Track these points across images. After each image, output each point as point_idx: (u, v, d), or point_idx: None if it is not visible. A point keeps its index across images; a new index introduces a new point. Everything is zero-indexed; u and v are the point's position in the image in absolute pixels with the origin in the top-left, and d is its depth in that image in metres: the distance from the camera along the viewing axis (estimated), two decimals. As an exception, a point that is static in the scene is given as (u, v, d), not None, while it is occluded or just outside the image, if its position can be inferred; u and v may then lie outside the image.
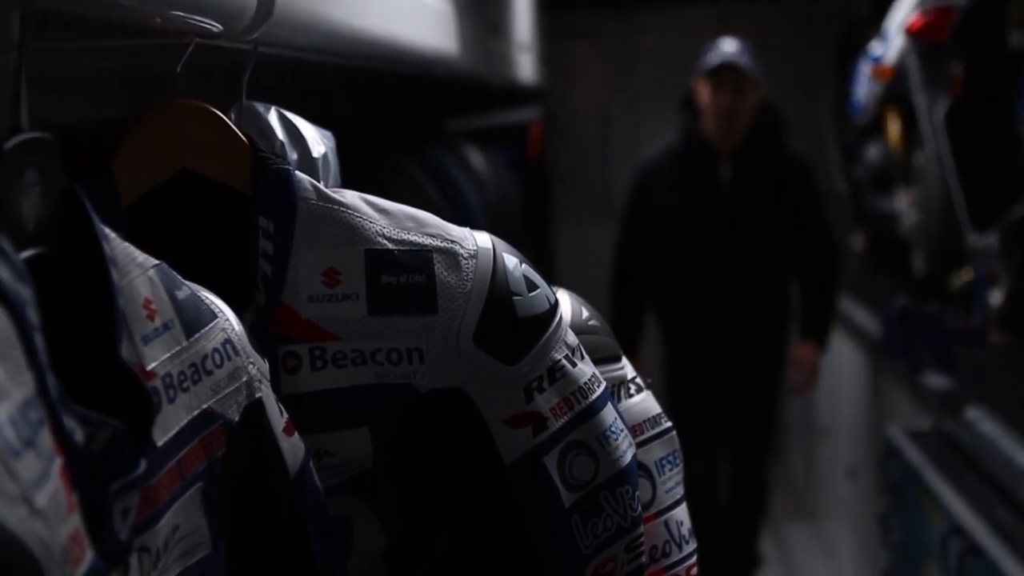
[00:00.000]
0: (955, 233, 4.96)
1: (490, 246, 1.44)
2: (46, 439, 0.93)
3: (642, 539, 1.47)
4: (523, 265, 1.45)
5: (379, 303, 1.39)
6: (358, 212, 1.42)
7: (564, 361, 1.44)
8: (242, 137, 1.43)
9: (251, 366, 1.25)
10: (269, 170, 1.41)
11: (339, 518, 1.39)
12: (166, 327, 1.16)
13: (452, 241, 1.43)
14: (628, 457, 1.47)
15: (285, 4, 1.53)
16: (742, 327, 5.44)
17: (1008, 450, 3.84)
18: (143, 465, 1.05)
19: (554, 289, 1.51)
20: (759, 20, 8.18)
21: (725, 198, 5.38)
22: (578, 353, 1.47)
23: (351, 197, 1.43)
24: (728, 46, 5.46)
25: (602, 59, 8.80)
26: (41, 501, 0.89)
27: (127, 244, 1.16)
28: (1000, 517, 3.57)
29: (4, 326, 0.92)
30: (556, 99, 8.00)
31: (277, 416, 1.28)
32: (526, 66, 5.37)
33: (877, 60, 6.10)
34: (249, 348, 1.25)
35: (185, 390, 1.16)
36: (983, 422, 4.12)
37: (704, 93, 5.42)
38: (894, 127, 6.03)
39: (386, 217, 1.43)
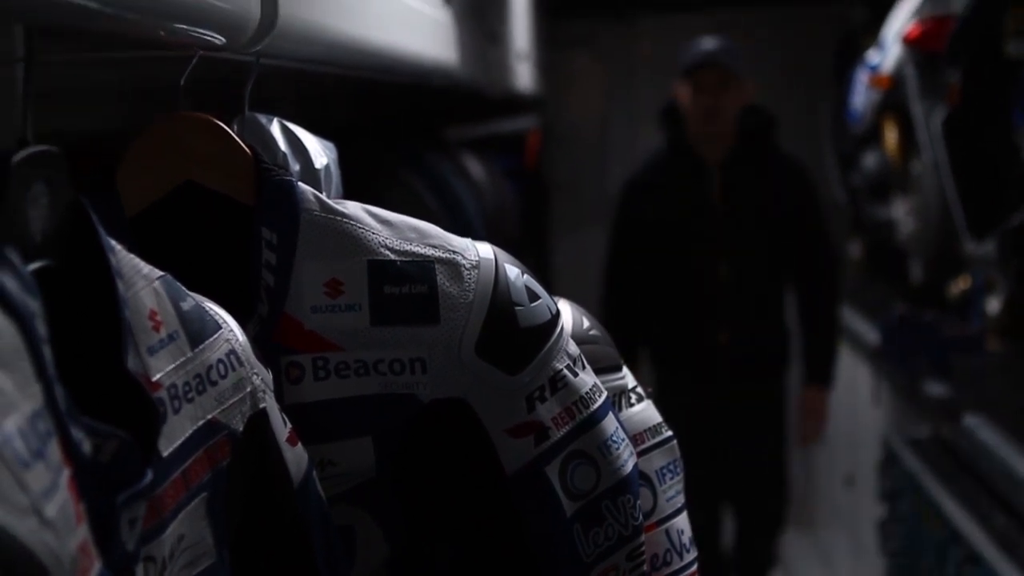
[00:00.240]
0: (952, 241, 4.97)
1: (492, 257, 1.45)
2: (55, 450, 0.94)
3: (643, 548, 1.48)
4: (525, 276, 1.46)
5: (382, 314, 1.40)
6: (361, 223, 1.42)
7: (565, 371, 1.45)
8: (245, 149, 1.44)
9: (255, 377, 1.25)
10: (272, 181, 1.42)
11: (342, 527, 1.40)
12: (171, 338, 1.17)
13: (454, 252, 1.44)
14: (629, 466, 1.47)
15: (288, 16, 1.54)
16: (736, 353, 4.98)
17: (1007, 457, 3.85)
18: (149, 475, 1.06)
19: (555, 299, 1.52)
20: (757, 28, 8.19)
21: (715, 212, 4.97)
22: (579, 363, 1.47)
23: (353, 208, 1.44)
24: (708, 43, 5.09)
25: (600, 67, 8.81)
26: (51, 512, 0.90)
27: (132, 256, 1.17)
28: (999, 525, 3.57)
29: (13, 338, 0.93)
30: (554, 107, 8.01)
31: (281, 426, 1.28)
32: (524, 75, 5.38)
33: (874, 68, 6.11)
34: (253, 359, 1.26)
35: (190, 401, 1.17)
36: (981, 429, 4.13)
37: (685, 95, 5.03)
38: (891, 135, 6.04)
39: (388, 228, 1.43)
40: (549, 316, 1.45)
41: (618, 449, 1.47)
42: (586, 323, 1.63)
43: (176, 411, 1.15)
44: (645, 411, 1.64)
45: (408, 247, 1.43)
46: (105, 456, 1.02)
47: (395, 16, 2.29)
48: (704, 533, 4.84)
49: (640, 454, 1.58)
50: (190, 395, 1.17)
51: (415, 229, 1.45)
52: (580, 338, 1.56)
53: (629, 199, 5.13)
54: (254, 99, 1.58)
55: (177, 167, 1.43)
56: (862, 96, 6.43)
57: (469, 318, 1.41)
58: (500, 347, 1.41)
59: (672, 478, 1.64)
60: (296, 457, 1.29)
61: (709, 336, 4.97)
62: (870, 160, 6.40)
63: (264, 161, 1.44)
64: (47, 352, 0.96)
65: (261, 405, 1.25)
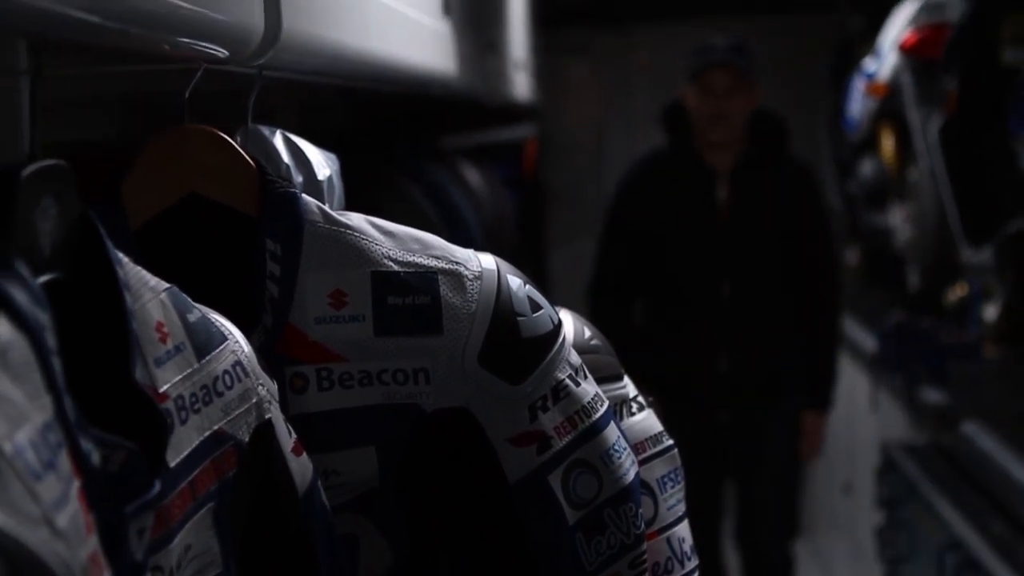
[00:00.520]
0: (949, 248, 4.99)
1: (494, 267, 1.46)
2: (65, 461, 0.94)
3: (645, 556, 1.49)
4: (527, 286, 1.47)
5: (385, 324, 1.41)
6: (364, 235, 1.43)
7: (568, 381, 1.46)
8: (249, 161, 1.45)
9: (261, 387, 1.26)
10: (276, 193, 1.43)
11: (346, 536, 1.41)
12: (178, 349, 1.18)
13: (457, 263, 1.45)
14: (631, 475, 1.48)
15: (291, 29, 1.55)
16: (737, 381, 4.50)
17: (1004, 464, 3.86)
18: (157, 486, 1.07)
19: (557, 309, 1.53)
20: (753, 36, 8.20)
21: (720, 223, 4.51)
22: (581, 373, 1.48)
23: (357, 220, 1.45)
24: (718, 43, 4.63)
25: (597, 76, 8.83)
26: (62, 522, 0.91)
27: (139, 268, 1.18)
28: (997, 531, 3.59)
29: (24, 351, 0.94)
30: (551, 116, 8.03)
31: (286, 436, 1.29)
32: (521, 84, 5.40)
33: (871, 76, 6.13)
34: (258, 370, 1.27)
35: (197, 411, 1.18)
36: (979, 436, 4.14)
37: (692, 97, 4.59)
38: (888, 143, 6.06)
39: (392, 239, 1.44)
40: (551, 326, 1.46)
41: (620, 458, 1.47)
42: (587, 333, 1.65)
43: (183, 422, 1.16)
44: (646, 420, 1.66)
45: (411, 258, 1.44)
46: (114, 467, 1.03)
47: (396, 27, 2.30)
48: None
49: (641, 463, 1.59)
50: (197, 406, 1.18)
51: (418, 240, 1.46)
52: (581, 348, 1.57)
53: (623, 202, 4.68)
54: (256, 110, 1.59)
55: (182, 179, 1.44)
56: (859, 104, 6.45)
57: (472, 328, 1.42)
58: (503, 357, 1.42)
59: (673, 487, 1.65)
60: (301, 467, 1.30)
61: (707, 361, 4.49)
62: (867, 167, 6.42)
63: (268, 173, 1.45)
64: (57, 364, 0.97)
65: (267, 416, 1.26)
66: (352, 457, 1.41)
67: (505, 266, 1.48)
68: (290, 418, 1.33)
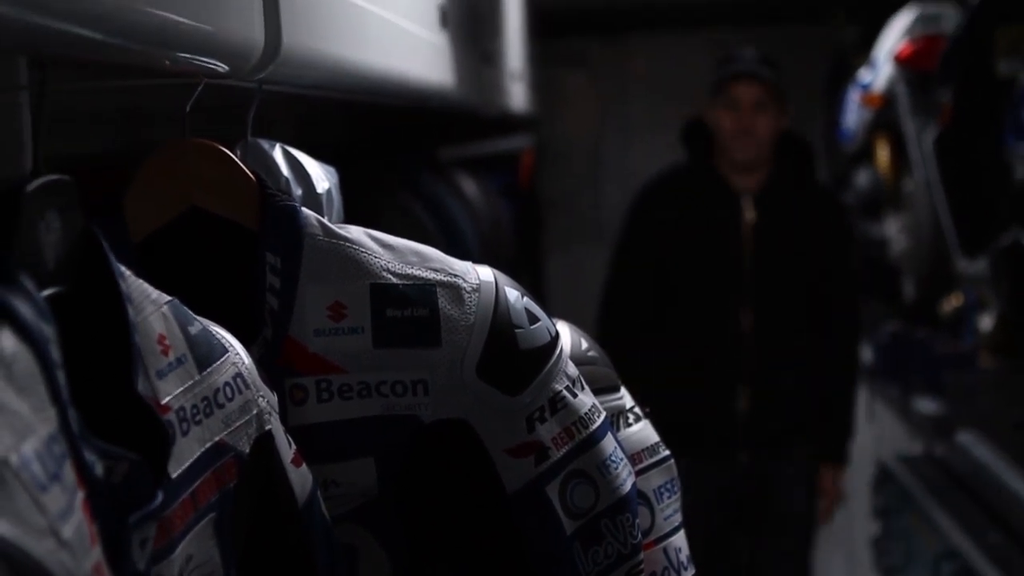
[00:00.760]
0: (945, 259, 5.01)
1: (492, 280, 1.48)
2: (70, 473, 0.96)
3: (642, 566, 1.50)
4: (524, 298, 1.49)
5: (384, 336, 1.42)
6: (363, 247, 1.45)
7: (565, 392, 1.47)
8: (249, 174, 1.46)
9: (261, 399, 1.28)
10: (275, 206, 1.44)
11: (345, 547, 1.42)
12: (179, 362, 1.19)
13: (455, 275, 1.46)
14: (628, 485, 1.49)
15: (291, 43, 1.56)
16: (758, 421, 4.13)
17: (1000, 473, 3.87)
18: (160, 497, 1.08)
19: (554, 321, 1.54)
20: (748, 48, 8.22)
21: (743, 250, 4.12)
22: (578, 384, 1.50)
23: (356, 233, 1.46)
24: (744, 53, 4.28)
25: (593, 86, 8.84)
26: (67, 533, 0.92)
27: (141, 281, 1.19)
28: (992, 540, 3.60)
29: (29, 363, 0.95)
30: (547, 127, 8.04)
31: (286, 448, 1.30)
32: (518, 94, 5.40)
33: (866, 87, 6.15)
34: (259, 381, 1.28)
35: (198, 423, 1.19)
36: (974, 446, 4.15)
37: (716, 114, 4.17)
38: (883, 154, 6.08)
39: (390, 252, 1.46)
40: (549, 338, 1.48)
41: (617, 468, 1.49)
42: (584, 344, 1.66)
43: (185, 433, 1.17)
44: (643, 431, 1.67)
45: (410, 271, 1.45)
46: (117, 478, 1.04)
47: (394, 40, 2.31)
48: None
49: (638, 473, 1.60)
50: (198, 417, 1.19)
51: (417, 253, 1.47)
52: (579, 359, 1.58)
53: (636, 225, 4.28)
54: (255, 123, 1.60)
55: (182, 193, 1.45)
56: (854, 115, 6.46)
57: (470, 340, 1.43)
58: (501, 369, 1.43)
59: (670, 497, 1.66)
60: (300, 478, 1.31)
61: (725, 400, 4.12)
62: (862, 178, 6.43)
63: (268, 186, 1.46)
64: (61, 376, 0.98)
65: (267, 427, 1.27)
66: (351, 468, 1.42)
67: (503, 278, 1.49)
68: (290, 429, 1.34)
